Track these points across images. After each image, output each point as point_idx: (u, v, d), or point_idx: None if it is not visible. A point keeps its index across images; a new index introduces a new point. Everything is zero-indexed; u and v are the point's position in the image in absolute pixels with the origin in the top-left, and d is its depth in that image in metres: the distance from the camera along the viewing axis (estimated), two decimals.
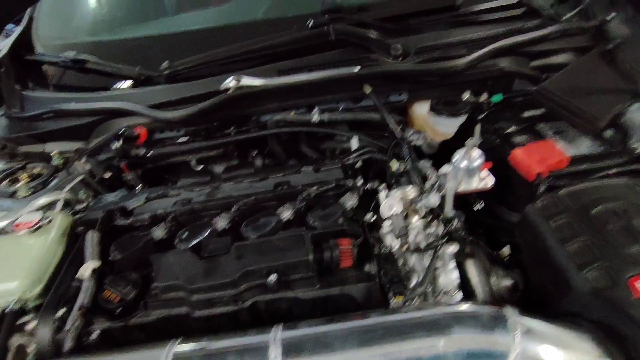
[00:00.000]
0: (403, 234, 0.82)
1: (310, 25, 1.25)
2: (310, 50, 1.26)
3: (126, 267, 0.87)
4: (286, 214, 0.91)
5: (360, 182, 1.00)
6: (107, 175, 1.32)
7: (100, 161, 1.34)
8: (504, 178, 0.99)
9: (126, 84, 1.34)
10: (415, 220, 0.86)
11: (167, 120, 1.16)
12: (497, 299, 0.87)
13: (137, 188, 1.29)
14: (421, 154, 1.30)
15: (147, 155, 1.17)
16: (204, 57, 1.27)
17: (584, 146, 1.03)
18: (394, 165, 1.01)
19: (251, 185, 1.00)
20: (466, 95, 1.27)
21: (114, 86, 1.34)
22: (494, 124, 1.17)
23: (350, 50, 1.25)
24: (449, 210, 0.87)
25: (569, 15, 1.41)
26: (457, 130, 1.24)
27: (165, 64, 1.31)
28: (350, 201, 0.93)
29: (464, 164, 0.91)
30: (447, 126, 1.18)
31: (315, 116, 1.20)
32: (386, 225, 0.87)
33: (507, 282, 0.89)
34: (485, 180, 0.93)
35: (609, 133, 1.04)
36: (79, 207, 1.18)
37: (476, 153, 0.92)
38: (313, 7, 1.39)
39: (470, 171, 0.92)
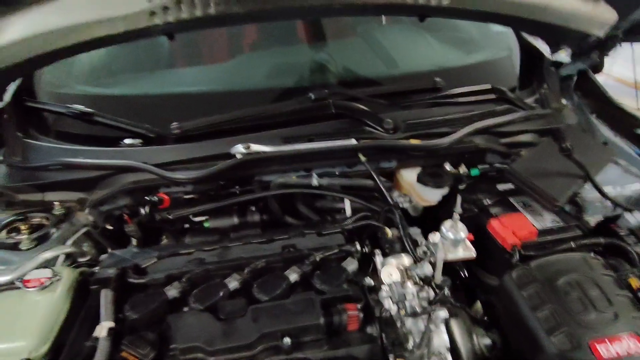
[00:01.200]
0: (401, 300, 0.93)
1: (312, 98, 1.40)
2: (311, 119, 1.40)
3: (141, 326, 0.91)
4: (293, 276, 1.00)
5: (358, 247, 1.11)
6: (110, 227, 1.36)
7: (102, 212, 1.38)
8: (482, 244, 1.14)
9: (135, 140, 1.41)
10: (410, 286, 0.97)
11: (181, 181, 1.23)
12: (479, 356, 0.99)
13: (133, 241, 1.33)
14: (407, 215, 1.44)
15: (171, 218, 1.23)
16: (213, 120, 1.37)
17: (548, 219, 1.20)
18: (389, 233, 1.13)
19: (259, 247, 1.09)
20: (447, 166, 1.44)
21: (123, 142, 1.41)
22: (472, 195, 1.33)
23: (347, 122, 1.41)
24: (438, 277, 0.99)
25: (530, 99, 1.66)
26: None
27: (175, 125, 1.41)
28: (351, 265, 1.03)
29: (451, 235, 1.05)
30: (432, 195, 1.33)
31: (314, 181, 1.32)
32: (384, 290, 0.98)
33: (486, 341, 1.01)
34: (469, 250, 1.06)
35: (567, 207, 1.23)
36: (82, 259, 1.21)
37: (461, 225, 1.06)
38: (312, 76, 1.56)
39: (456, 242, 1.05)
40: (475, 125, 1.39)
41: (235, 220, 1.40)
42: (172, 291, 0.97)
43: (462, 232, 1.05)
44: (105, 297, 0.95)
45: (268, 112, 1.39)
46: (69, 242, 1.22)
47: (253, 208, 1.45)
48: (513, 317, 0.97)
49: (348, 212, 1.40)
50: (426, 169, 1.37)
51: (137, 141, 1.41)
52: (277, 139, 1.33)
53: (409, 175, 1.45)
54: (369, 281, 1.03)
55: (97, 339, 0.87)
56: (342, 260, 1.05)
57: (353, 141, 1.32)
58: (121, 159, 1.31)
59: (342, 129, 1.38)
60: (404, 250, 1.12)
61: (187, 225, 1.45)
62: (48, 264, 1.13)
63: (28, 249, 1.18)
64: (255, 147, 1.25)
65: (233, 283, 0.98)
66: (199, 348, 0.84)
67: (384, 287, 0.98)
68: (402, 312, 0.93)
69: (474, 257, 1.07)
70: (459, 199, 1.32)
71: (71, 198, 1.38)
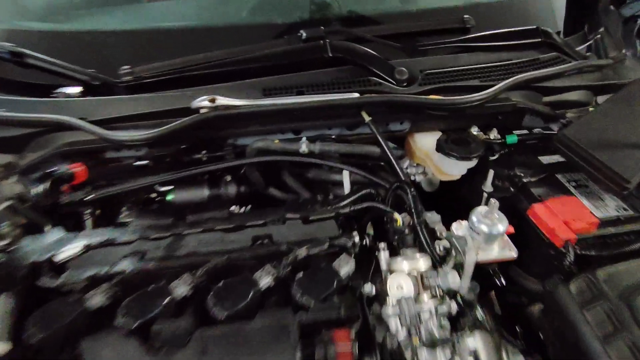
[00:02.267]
0: (414, 323, 0.66)
1: (303, 37, 1.07)
2: (302, 66, 1.07)
3: (49, 350, 0.65)
4: (266, 280, 0.73)
5: (356, 238, 0.82)
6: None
7: (35, 181, 1.10)
8: (520, 234, 0.85)
9: (74, 89, 1.10)
10: (427, 301, 0.70)
11: (125, 143, 0.93)
12: None
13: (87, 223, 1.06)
14: (419, 190, 1.15)
15: (85, 200, 0.95)
16: (174, 65, 1.05)
17: (612, 206, 0.90)
18: (399, 220, 0.84)
19: (223, 238, 0.80)
20: (474, 130, 1.13)
21: (59, 90, 1.09)
22: (507, 169, 1.03)
23: (348, 70, 1.07)
24: (466, 286, 0.71)
25: (580, 48, 1.31)
26: None
27: (125, 69, 1.08)
28: (346, 266, 0.75)
29: (484, 227, 0.76)
30: (455, 167, 1.03)
31: (303, 146, 1.02)
32: (391, 304, 0.71)
33: None
34: (509, 248, 0.78)
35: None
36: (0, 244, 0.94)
37: (499, 215, 0.76)
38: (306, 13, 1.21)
39: (491, 237, 0.76)
40: (517, 78, 1.05)
41: (205, 192, 1.12)
42: (95, 299, 0.70)
43: (501, 224, 0.75)
44: (3, 307, 0.68)
45: (246, 55, 1.06)
46: None
47: (229, 178, 1.16)
48: (569, 345, 0.70)
49: (347, 186, 1.11)
50: (448, 134, 1.05)
51: (77, 90, 1.09)
52: (256, 90, 1.01)
53: (424, 141, 1.14)
54: (369, 289, 0.75)
55: None
56: (333, 258, 0.77)
57: (355, 95, 1.00)
58: (53, 113, 1.00)
59: (341, 78, 1.05)
60: (417, 243, 0.84)
61: (154, 195, 1.19)
62: None
63: None
64: (223, 101, 0.93)
65: (181, 289, 0.71)
66: None
67: (390, 301, 0.70)
68: (415, 340, 0.66)
69: (514, 258, 0.78)
70: (490, 174, 1.02)
71: None
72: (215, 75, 1.06)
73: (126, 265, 0.74)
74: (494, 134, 1.12)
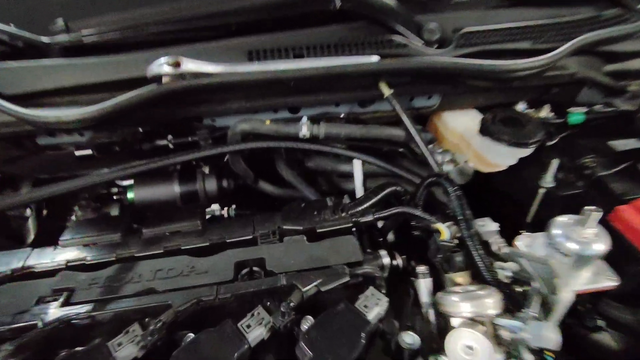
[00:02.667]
0: None
1: None
2: (299, 22, 0.80)
3: None
4: (256, 333, 0.48)
5: (385, 260, 0.58)
6: None
7: None
8: None
9: None
10: None
11: (51, 126, 0.66)
12: None
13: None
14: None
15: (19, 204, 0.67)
16: (127, 19, 0.76)
17: None
18: (445, 232, 0.59)
19: (192, 265, 0.54)
20: (521, 107, 0.88)
21: None
22: (571, 158, 0.79)
23: (361, 26, 0.80)
24: (556, 339, 0.47)
25: None
26: None
27: (59, 23, 0.79)
28: (375, 308, 0.51)
29: (573, 247, 0.52)
30: (505, 156, 0.78)
31: (304, 129, 0.76)
32: None
33: None
34: (607, 276, 0.54)
35: None
36: None
37: (595, 228, 0.53)
38: None
39: (584, 260, 0.53)
40: (582, 39, 0.80)
41: (175, 189, 0.86)
42: None
43: (601, 241, 0.52)
44: None
45: (224, 6, 0.78)
46: None
47: (207, 170, 0.90)
48: None
49: (358, 180, 0.86)
50: (495, 112, 0.80)
51: None
52: (239, 53, 0.74)
53: (458, 121, 0.89)
54: (410, 341, 0.51)
55: None
56: (354, 292, 0.53)
57: (374, 58, 0.73)
58: None
59: (352, 38, 0.78)
60: (471, 266, 0.60)
61: (114, 190, 0.92)
62: None
63: None
64: (192, 65, 0.66)
65: (126, 350, 0.46)
66: None
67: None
68: None
69: (613, 287, 0.55)
70: (554, 164, 0.78)
71: None
72: (182, 32, 0.78)
73: (40, 315, 0.47)
74: (546, 112, 0.88)
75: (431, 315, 0.57)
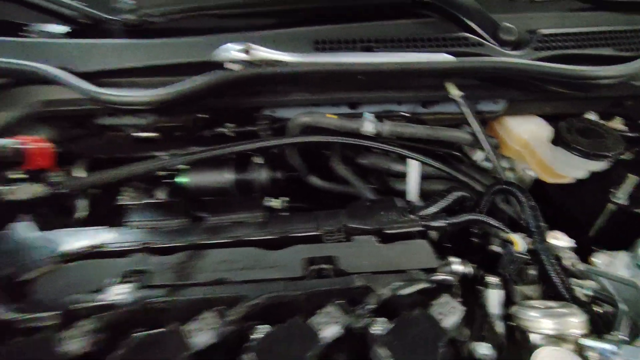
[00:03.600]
0: None
1: None
2: (368, 14, 0.77)
3: None
4: (331, 330, 0.47)
5: (458, 267, 0.55)
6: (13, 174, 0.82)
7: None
8: None
9: (57, 27, 0.81)
10: None
11: (122, 106, 0.66)
12: None
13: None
14: None
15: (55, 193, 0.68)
16: (196, 2, 0.75)
17: None
18: (520, 244, 0.56)
19: (260, 257, 0.53)
20: (591, 116, 0.84)
21: (35, 27, 0.81)
22: None
23: (432, 22, 0.78)
24: None
25: None
26: None
27: (127, 3, 0.79)
28: (451, 317, 0.49)
29: None
30: (577, 168, 0.75)
31: (369, 126, 0.74)
32: None
33: None
34: None
35: None
36: None
37: None
38: None
39: None
40: None
41: (230, 177, 0.85)
42: (73, 345, 0.45)
43: None
44: None
45: None
46: None
47: (259, 160, 0.89)
48: None
49: (413, 181, 0.84)
50: (571, 122, 0.76)
51: (61, 29, 0.80)
52: (306, 43, 0.72)
53: (524, 128, 0.85)
54: (485, 352, 0.49)
55: None
56: (425, 299, 0.51)
57: (447, 57, 0.70)
58: (24, 58, 0.72)
59: (424, 33, 0.75)
60: (543, 280, 0.57)
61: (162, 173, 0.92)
62: None
63: None
64: (263, 53, 0.65)
65: (202, 336, 0.45)
66: None
67: None
68: None
69: None
70: (630, 181, 0.74)
71: None
72: (249, 18, 0.76)
73: (119, 295, 0.47)
74: (617, 125, 0.84)
75: (500, 326, 0.55)
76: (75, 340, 0.46)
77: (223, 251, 0.55)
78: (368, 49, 0.73)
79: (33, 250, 0.56)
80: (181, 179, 0.86)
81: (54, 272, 0.53)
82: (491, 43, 0.75)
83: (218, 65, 0.69)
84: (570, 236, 0.81)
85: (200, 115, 0.76)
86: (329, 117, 0.76)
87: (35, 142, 0.66)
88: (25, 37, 0.77)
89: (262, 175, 0.86)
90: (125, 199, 0.94)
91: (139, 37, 0.78)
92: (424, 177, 0.87)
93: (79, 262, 0.53)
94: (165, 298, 0.47)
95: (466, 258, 0.63)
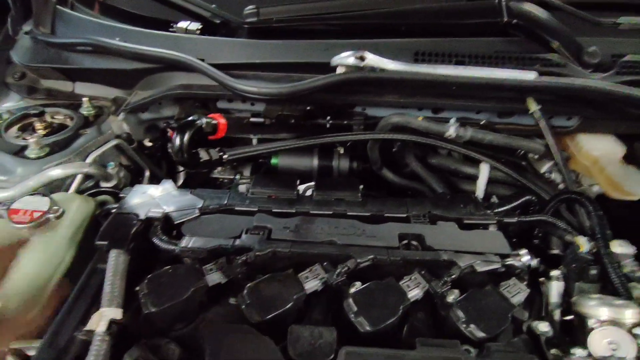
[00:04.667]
0: None
1: None
2: (462, 30, 0.87)
3: (161, 322, 0.56)
4: (415, 292, 0.58)
5: (525, 259, 0.65)
6: (149, 143, 1.00)
7: (142, 121, 1.02)
8: None
9: (193, 24, 0.98)
10: None
11: (251, 95, 0.80)
12: None
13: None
14: None
15: (223, 160, 0.84)
16: (311, 9, 0.89)
17: None
18: (583, 245, 0.65)
19: (360, 228, 0.66)
20: None
21: (177, 25, 0.98)
22: None
23: (521, 42, 0.86)
24: None
25: None
26: None
27: (251, 9, 0.94)
28: (518, 295, 0.59)
29: None
30: None
31: (452, 130, 0.84)
32: None
33: None
34: None
35: None
36: (105, 185, 0.87)
37: None
38: None
39: None
40: None
41: (315, 162, 0.99)
42: (215, 276, 0.60)
43: None
44: (115, 266, 0.59)
45: (402, 8, 0.87)
46: (91, 156, 0.87)
47: (341, 150, 1.02)
48: None
49: (482, 183, 0.93)
50: None
51: (195, 26, 0.97)
52: (406, 53, 0.83)
53: (596, 145, 0.91)
54: (545, 329, 0.58)
55: (91, 332, 0.53)
56: (494, 281, 0.61)
57: (531, 75, 0.79)
58: (169, 49, 0.89)
59: (511, 51, 0.84)
60: (603, 281, 0.65)
61: None
62: (56, 186, 0.81)
63: (37, 158, 0.85)
64: (374, 60, 0.77)
65: (312, 283, 0.58)
66: None
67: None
68: None
69: None
70: None
71: (106, 95, 1.03)
72: (357, 28, 0.89)
73: (252, 243, 0.62)
74: None
75: (557, 314, 0.64)
76: (216, 275, 0.60)
77: (331, 220, 0.68)
78: (461, 63, 0.83)
79: (179, 202, 0.72)
80: (274, 160, 1.01)
81: (199, 219, 0.69)
82: (575, 64, 0.82)
83: (330, 67, 0.82)
84: None
85: (307, 108, 0.89)
86: (420, 119, 0.87)
87: (219, 118, 0.83)
88: (173, 32, 0.95)
89: (342, 163, 0.98)
90: (218, 173, 1.10)
91: (259, 38, 0.92)
92: (489, 181, 0.95)
93: (215, 215, 0.69)
94: (290, 249, 0.61)
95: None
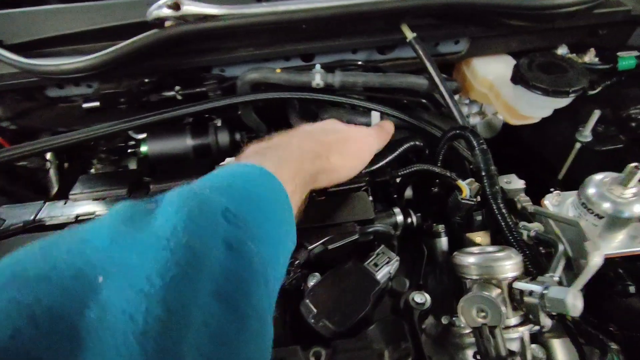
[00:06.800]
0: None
1: None
2: None
3: None
4: None
5: (399, 218, 0.55)
6: None
7: None
8: None
9: None
10: (521, 330, 0.44)
11: (54, 74, 0.64)
12: None
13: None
14: None
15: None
16: None
17: None
18: (465, 189, 0.55)
19: None
20: (562, 51, 0.79)
21: None
22: (614, 108, 0.71)
23: None
24: (576, 305, 0.43)
25: None
26: None
27: None
28: (385, 267, 0.49)
29: (608, 208, 0.47)
30: (540, 108, 0.71)
31: (317, 78, 0.70)
32: (465, 333, 0.44)
33: None
34: None
35: None
36: None
37: (635, 190, 0.47)
38: None
39: (619, 223, 0.48)
40: None
41: (188, 142, 0.84)
42: None
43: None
44: None
45: None
46: None
47: (218, 122, 0.87)
48: None
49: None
50: (532, 57, 0.71)
51: None
52: None
53: (489, 69, 0.81)
54: (420, 299, 0.49)
55: None
56: (367, 250, 0.51)
57: None
58: None
59: None
60: (491, 225, 0.56)
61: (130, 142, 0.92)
62: None
63: None
64: (192, 7, 0.61)
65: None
66: None
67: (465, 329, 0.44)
68: None
69: None
70: (594, 115, 0.70)
71: None
72: None
73: None
74: (590, 57, 0.79)
75: (444, 275, 0.55)
76: None
77: None
78: None
79: None
80: (142, 148, 0.86)
81: None
82: None
83: (155, 25, 0.66)
84: (544, 180, 0.79)
85: (145, 80, 0.73)
86: (277, 72, 0.73)
87: None
88: None
89: (220, 138, 0.84)
90: (96, 169, 0.95)
91: (73, 0, 0.74)
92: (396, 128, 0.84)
93: (17, 237, 0.54)
94: None
95: (428, 209, 0.62)
